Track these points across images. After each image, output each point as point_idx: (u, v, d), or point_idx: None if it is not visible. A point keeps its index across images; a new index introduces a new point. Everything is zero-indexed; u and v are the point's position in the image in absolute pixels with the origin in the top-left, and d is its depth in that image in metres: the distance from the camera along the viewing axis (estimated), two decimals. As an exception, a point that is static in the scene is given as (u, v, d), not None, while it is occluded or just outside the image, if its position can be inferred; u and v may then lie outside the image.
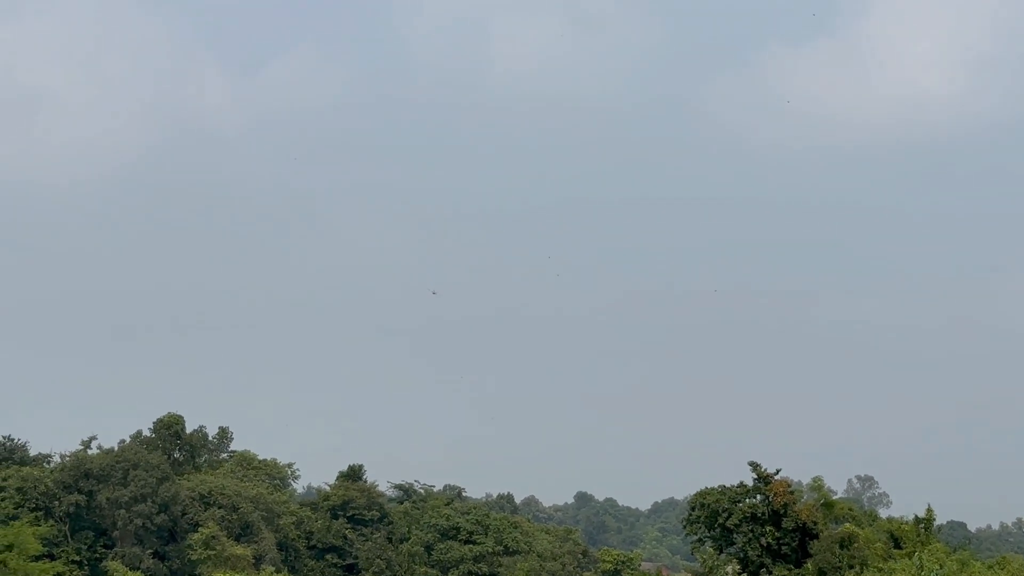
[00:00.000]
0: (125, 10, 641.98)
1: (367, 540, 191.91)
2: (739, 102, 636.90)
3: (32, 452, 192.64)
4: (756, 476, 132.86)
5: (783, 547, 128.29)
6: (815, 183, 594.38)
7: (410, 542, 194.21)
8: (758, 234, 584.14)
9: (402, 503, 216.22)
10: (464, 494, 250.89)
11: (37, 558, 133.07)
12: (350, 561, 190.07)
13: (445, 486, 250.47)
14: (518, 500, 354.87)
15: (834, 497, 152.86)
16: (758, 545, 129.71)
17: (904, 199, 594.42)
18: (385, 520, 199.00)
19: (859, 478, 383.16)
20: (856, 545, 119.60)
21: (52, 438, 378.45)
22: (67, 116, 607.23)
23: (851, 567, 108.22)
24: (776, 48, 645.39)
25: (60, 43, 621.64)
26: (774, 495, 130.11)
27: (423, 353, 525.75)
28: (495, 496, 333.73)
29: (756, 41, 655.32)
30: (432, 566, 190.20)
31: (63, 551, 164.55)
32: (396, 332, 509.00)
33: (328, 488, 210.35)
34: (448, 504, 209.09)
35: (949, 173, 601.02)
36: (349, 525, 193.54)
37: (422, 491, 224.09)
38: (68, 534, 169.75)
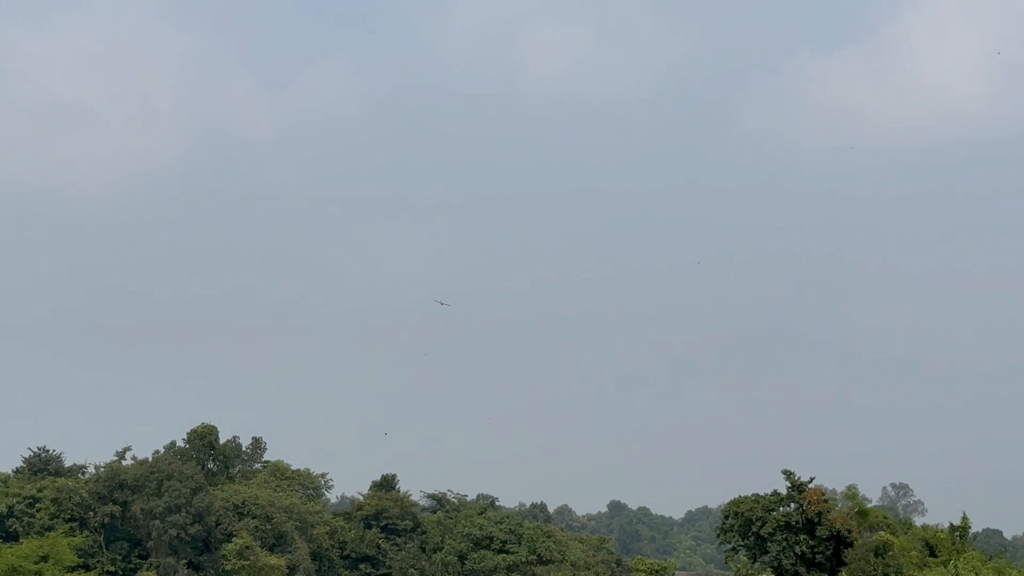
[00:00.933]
0: (159, 23, 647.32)
1: (400, 550, 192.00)
2: (768, 109, 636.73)
3: (67, 463, 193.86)
4: (790, 484, 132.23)
5: (817, 556, 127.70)
6: (846, 187, 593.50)
7: (443, 551, 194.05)
8: (788, 241, 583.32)
9: (435, 513, 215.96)
10: (497, 503, 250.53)
11: (72, 569, 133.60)
12: (384, 571, 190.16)
13: (478, 495, 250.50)
14: (551, 509, 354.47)
15: (868, 505, 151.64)
16: (792, 554, 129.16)
17: (938, 203, 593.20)
18: (418, 530, 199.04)
19: (894, 486, 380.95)
20: (891, 553, 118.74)
21: (87, 449, 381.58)
22: (102, 128, 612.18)
23: (886, 575, 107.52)
24: (807, 55, 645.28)
25: (95, 57, 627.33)
26: (808, 503, 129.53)
27: (452, 362, 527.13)
28: (528, 505, 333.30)
29: (786, 49, 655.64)
30: (465, 575, 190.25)
31: (98, 562, 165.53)
32: (424, 340, 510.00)
33: (361, 498, 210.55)
34: (481, 513, 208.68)
35: (982, 177, 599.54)
36: (382, 535, 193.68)
37: (455, 500, 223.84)
38: (103, 545, 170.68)
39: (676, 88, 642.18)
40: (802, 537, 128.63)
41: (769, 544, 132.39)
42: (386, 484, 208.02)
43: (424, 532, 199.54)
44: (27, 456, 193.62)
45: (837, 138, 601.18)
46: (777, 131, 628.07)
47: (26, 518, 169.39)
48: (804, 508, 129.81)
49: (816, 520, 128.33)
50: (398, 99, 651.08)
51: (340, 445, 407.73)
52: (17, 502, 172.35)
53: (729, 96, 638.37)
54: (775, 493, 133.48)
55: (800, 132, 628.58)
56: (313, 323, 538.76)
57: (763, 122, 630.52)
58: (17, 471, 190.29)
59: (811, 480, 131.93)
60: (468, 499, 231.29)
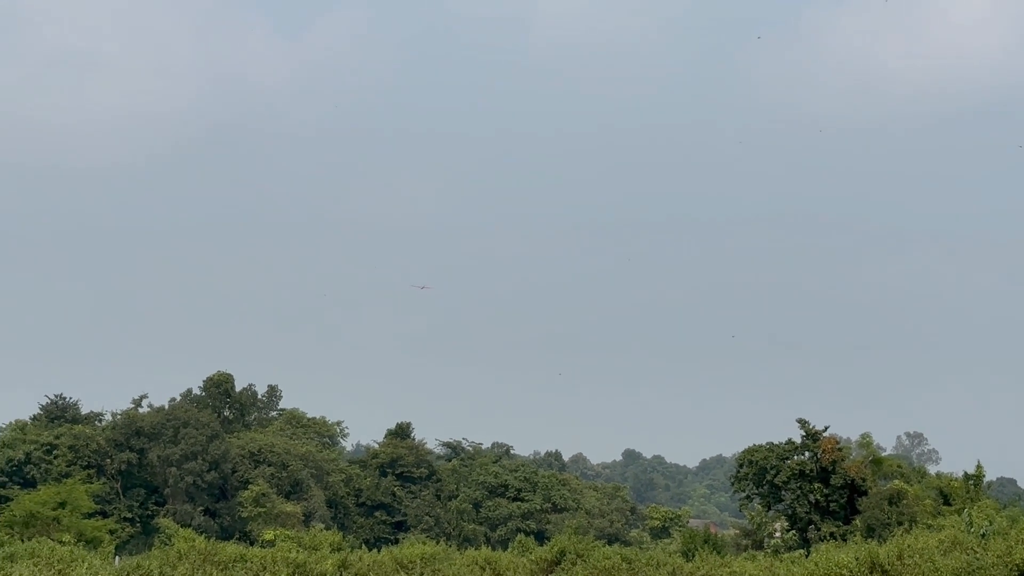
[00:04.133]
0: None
1: (416, 497, 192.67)
2: (778, 64, 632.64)
3: (84, 410, 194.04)
4: (804, 433, 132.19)
5: (831, 504, 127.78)
6: (861, 146, 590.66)
7: (458, 499, 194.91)
8: (804, 195, 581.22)
9: (450, 461, 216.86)
10: (512, 452, 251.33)
11: (89, 515, 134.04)
12: (399, 518, 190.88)
13: (493, 444, 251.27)
14: (566, 458, 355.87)
15: (883, 454, 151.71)
16: (806, 502, 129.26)
17: (949, 160, 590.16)
18: (433, 478, 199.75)
19: (908, 435, 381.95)
20: (905, 502, 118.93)
21: (103, 396, 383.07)
22: (116, 76, 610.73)
23: (900, 524, 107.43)
24: (817, 9, 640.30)
25: (110, 4, 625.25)
26: (822, 452, 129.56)
27: (467, 311, 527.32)
28: (543, 454, 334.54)
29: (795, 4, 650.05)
30: (480, 523, 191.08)
31: (115, 508, 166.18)
32: (440, 292, 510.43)
33: (376, 446, 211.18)
34: (496, 462, 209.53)
35: (997, 133, 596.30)
36: (398, 482, 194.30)
37: (470, 449, 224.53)
38: (120, 491, 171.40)
39: (686, 36, 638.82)
40: (816, 485, 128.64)
41: (783, 492, 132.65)
42: (401, 432, 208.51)
43: (439, 480, 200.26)
44: (44, 403, 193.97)
45: (851, 86, 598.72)
46: (789, 86, 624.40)
47: (43, 465, 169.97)
48: (818, 457, 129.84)
49: (830, 469, 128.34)
50: (411, 45, 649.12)
51: (355, 393, 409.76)
52: (34, 449, 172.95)
53: (741, 44, 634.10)
54: (789, 442, 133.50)
55: (811, 88, 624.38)
56: (327, 270, 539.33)
57: (775, 72, 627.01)
58: (34, 418, 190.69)
59: (825, 429, 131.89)
60: (483, 447, 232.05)
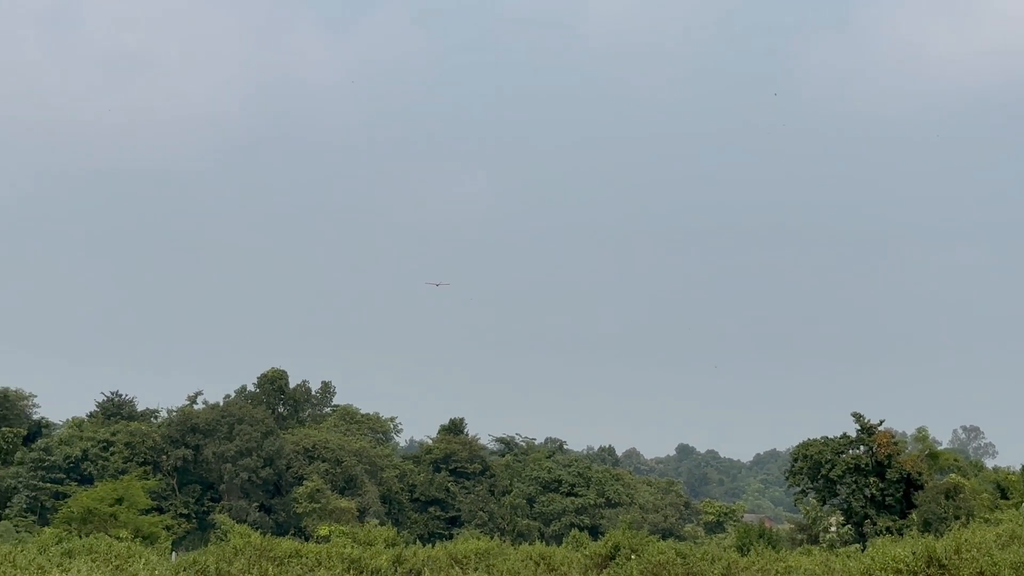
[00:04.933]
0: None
1: (469, 493, 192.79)
2: (836, 53, 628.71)
3: (140, 408, 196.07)
4: (859, 427, 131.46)
5: (887, 498, 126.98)
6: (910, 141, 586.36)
7: (512, 495, 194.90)
8: (850, 191, 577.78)
9: (503, 456, 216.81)
10: (565, 447, 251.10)
11: (146, 511, 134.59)
12: (453, 514, 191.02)
13: (546, 439, 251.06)
14: (619, 453, 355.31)
15: (939, 448, 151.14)
16: (862, 496, 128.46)
17: (1004, 156, 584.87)
18: (487, 473, 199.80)
19: (964, 428, 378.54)
20: (962, 496, 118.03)
21: (159, 393, 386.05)
22: (167, 77, 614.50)
23: (956, 518, 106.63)
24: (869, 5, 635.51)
25: (161, 5, 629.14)
26: (878, 446, 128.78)
27: (520, 308, 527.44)
28: (596, 449, 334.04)
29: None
30: (534, 518, 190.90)
31: (171, 504, 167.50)
32: (492, 289, 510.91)
33: (430, 442, 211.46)
34: (549, 457, 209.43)
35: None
36: (451, 478, 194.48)
37: (523, 444, 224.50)
38: (176, 488, 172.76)
39: (740, 29, 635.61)
40: (872, 480, 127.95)
41: (839, 487, 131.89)
42: (454, 428, 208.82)
43: (493, 475, 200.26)
44: (100, 401, 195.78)
45: (902, 77, 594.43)
46: (844, 74, 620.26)
47: (100, 461, 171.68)
48: (874, 451, 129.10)
49: (886, 463, 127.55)
50: (459, 41, 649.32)
51: (408, 389, 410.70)
52: (91, 446, 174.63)
53: (794, 36, 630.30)
54: (844, 436, 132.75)
55: (867, 75, 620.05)
56: (382, 266, 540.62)
57: (828, 66, 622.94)
58: (91, 416, 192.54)
59: (881, 423, 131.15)
60: (536, 443, 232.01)
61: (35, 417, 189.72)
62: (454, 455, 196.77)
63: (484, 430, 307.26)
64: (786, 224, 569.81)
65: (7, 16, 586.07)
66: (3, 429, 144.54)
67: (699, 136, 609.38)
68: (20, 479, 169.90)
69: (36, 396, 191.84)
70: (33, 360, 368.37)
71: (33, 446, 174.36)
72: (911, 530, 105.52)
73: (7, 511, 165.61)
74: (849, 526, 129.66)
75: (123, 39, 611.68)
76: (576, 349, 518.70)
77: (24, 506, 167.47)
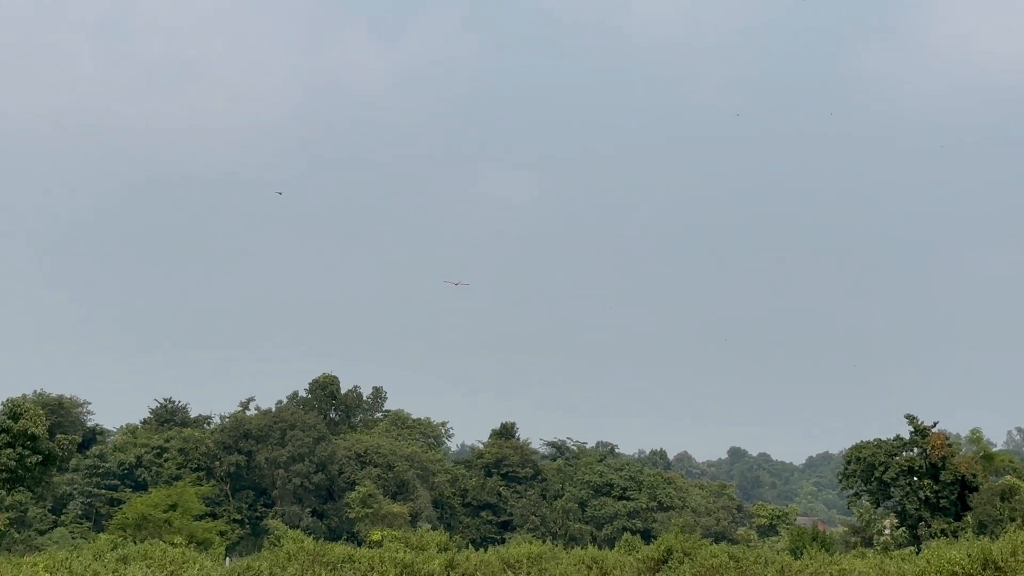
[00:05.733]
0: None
1: (521, 497, 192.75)
2: (884, 50, 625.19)
3: (192, 414, 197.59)
4: (913, 429, 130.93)
5: (942, 500, 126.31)
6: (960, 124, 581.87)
7: (564, 499, 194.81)
8: (907, 176, 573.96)
9: (555, 460, 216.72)
10: (616, 451, 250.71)
11: (200, 517, 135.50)
12: (505, 518, 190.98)
13: (597, 443, 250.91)
14: (671, 456, 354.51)
15: (993, 449, 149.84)
16: (916, 498, 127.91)
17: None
18: (539, 477, 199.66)
19: (1019, 430, 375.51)
20: (1017, 497, 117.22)
21: (211, 399, 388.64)
22: (220, 83, 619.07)
23: (1012, 520, 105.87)
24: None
25: (212, 12, 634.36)
26: (932, 448, 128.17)
27: (568, 311, 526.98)
28: (648, 452, 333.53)
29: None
30: (586, 522, 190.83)
31: (224, 510, 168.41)
32: (540, 292, 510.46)
33: (481, 446, 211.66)
34: (601, 461, 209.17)
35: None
36: (503, 482, 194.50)
37: (574, 448, 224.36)
38: (229, 493, 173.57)
39: (788, 30, 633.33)
40: (926, 482, 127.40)
41: (892, 489, 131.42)
42: (506, 432, 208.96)
43: (544, 479, 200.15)
44: (154, 407, 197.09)
45: (949, 78, 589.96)
46: (892, 70, 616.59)
47: (154, 468, 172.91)
48: (927, 453, 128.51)
49: (940, 465, 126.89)
50: (507, 48, 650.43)
51: (460, 394, 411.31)
52: (145, 452, 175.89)
53: (842, 37, 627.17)
54: (898, 438, 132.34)
55: (913, 71, 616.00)
56: (432, 271, 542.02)
57: (877, 64, 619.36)
58: (144, 422, 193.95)
59: (934, 425, 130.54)
60: (587, 447, 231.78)
61: (90, 424, 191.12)
62: (505, 459, 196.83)
63: (535, 434, 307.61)
64: (836, 226, 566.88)
65: (61, 29, 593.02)
66: (58, 436, 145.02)
67: (744, 140, 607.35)
68: (75, 486, 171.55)
69: (91, 403, 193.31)
70: (87, 367, 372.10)
71: (88, 453, 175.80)
72: (966, 532, 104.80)
73: (62, 517, 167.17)
74: (903, 529, 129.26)
75: (174, 49, 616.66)
76: (627, 352, 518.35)
77: (79, 512, 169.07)
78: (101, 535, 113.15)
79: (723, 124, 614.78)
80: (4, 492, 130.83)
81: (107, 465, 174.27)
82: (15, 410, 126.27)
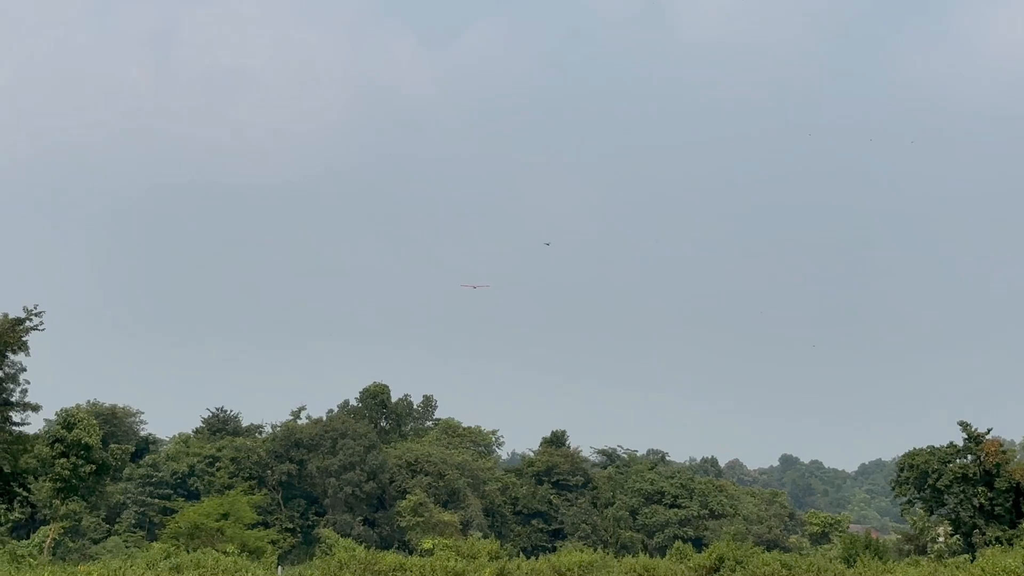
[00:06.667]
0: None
1: (572, 505, 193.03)
2: (930, 54, 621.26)
3: (244, 423, 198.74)
4: (966, 436, 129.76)
5: (996, 508, 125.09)
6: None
7: (615, 507, 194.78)
8: (957, 191, 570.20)
9: (605, 468, 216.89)
10: (667, 458, 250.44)
11: (252, 526, 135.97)
12: (556, 526, 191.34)
13: (648, 451, 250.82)
14: (722, 464, 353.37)
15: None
16: (970, 506, 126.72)
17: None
18: (589, 485, 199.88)
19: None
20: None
21: (263, 409, 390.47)
22: (267, 93, 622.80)
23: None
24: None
25: (256, 22, 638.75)
26: (986, 455, 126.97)
27: (620, 319, 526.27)
28: (699, 460, 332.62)
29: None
30: (637, 530, 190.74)
31: (276, 519, 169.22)
32: (592, 300, 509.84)
33: (532, 454, 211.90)
34: (652, 468, 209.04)
35: None
36: (554, 491, 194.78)
37: (625, 456, 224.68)
38: (281, 502, 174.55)
39: (833, 32, 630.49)
40: (980, 489, 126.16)
41: (946, 496, 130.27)
42: (556, 440, 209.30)
43: (595, 487, 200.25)
44: (206, 417, 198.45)
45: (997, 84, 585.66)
46: (938, 76, 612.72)
47: (207, 477, 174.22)
48: (981, 460, 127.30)
49: (994, 472, 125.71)
50: (554, 55, 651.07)
51: (509, 402, 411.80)
52: (198, 461, 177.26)
53: (889, 39, 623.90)
54: (951, 445, 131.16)
55: (961, 77, 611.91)
56: (481, 278, 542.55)
57: (923, 67, 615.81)
58: (197, 432, 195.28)
59: (988, 431, 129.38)
60: (638, 454, 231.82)
61: (143, 433, 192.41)
62: (556, 467, 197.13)
63: (585, 442, 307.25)
64: (887, 228, 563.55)
65: (115, 43, 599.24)
66: (112, 446, 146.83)
67: (797, 138, 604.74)
68: (129, 495, 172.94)
69: (143, 413, 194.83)
70: (140, 377, 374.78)
71: (141, 462, 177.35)
72: (1021, 540, 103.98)
73: (116, 526, 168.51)
74: (957, 536, 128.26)
75: (224, 59, 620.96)
76: (678, 360, 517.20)
77: (133, 521, 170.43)
78: (154, 544, 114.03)
79: (776, 120, 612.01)
80: (58, 501, 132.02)
81: (160, 474, 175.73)
82: (69, 420, 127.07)
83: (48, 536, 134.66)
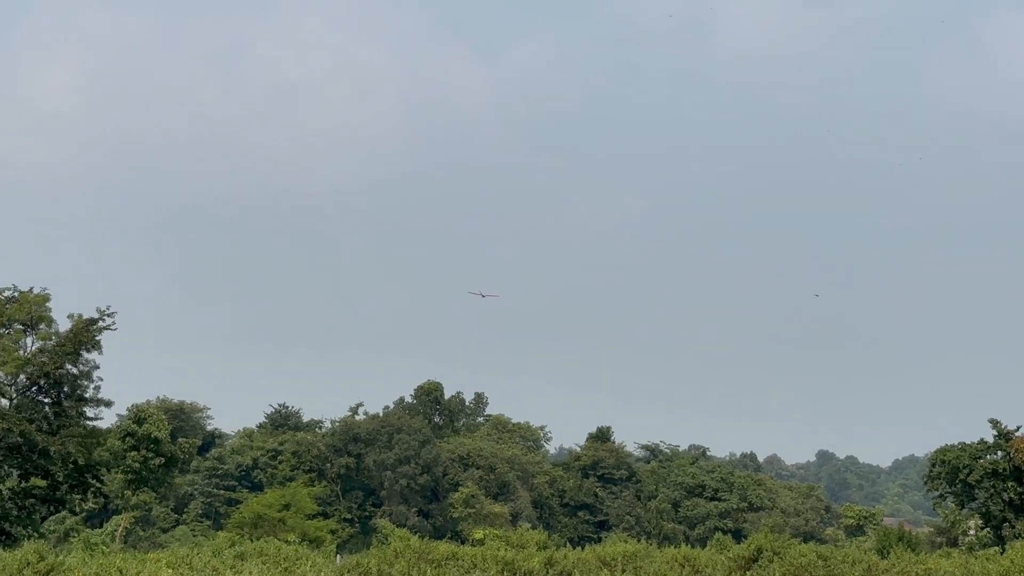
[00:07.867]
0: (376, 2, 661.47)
1: (617, 498, 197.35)
2: (959, 68, 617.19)
3: (305, 418, 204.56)
4: (996, 433, 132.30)
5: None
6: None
7: (658, 499, 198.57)
8: (988, 197, 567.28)
9: (649, 462, 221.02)
10: (708, 453, 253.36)
11: (312, 516, 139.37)
12: (601, 518, 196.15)
13: (690, 446, 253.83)
14: (760, 459, 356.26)
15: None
16: (1000, 500, 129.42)
17: None
18: (633, 479, 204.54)
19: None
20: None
21: (323, 404, 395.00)
22: (328, 105, 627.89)
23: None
24: (1002, 15, 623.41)
25: (318, 37, 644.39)
26: (1015, 451, 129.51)
27: (665, 316, 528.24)
28: (738, 455, 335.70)
29: (982, 8, 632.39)
30: (679, 522, 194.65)
31: (335, 510, 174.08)
32: (638, 299, 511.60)
33: (579, 449, 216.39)
34: (693, 463, 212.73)
35: None
36: (599, 484, 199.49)
37: (668, 451, 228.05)
38: (340, 494, 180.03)
39: (865, 45, 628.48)
40: (1010, 484, 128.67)
41: (977, 491, 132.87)
42: (602, 436, 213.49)
43: (639, 481, 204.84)
44: (269, 412, 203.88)
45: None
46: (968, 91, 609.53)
47: (269, 469, 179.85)
48: (1011, 456, 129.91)
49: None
50: (600, 66, 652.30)
51: (557, 399, 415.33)
52: (261, 455, 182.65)
53: (919, 54, 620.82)
54: (982, 441, 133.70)
55: (991, 92, 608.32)
56: (533, 280, 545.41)
57: (953, 81, 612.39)
58: (260, 426, 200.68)
59: (1018, 428, 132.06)
60: (680, 449, 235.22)
61: (209, 428, 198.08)
62: (602, 462, 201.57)
63: (630, 438, 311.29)
64: (922, 230, 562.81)
65: (185, 58, 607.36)
66: (180, 440, 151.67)
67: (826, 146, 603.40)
68: (196, 486, 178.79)
69: (210, 408, 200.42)
70: (207, 374, 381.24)
71: (208, 455, 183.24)
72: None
73: (184, 516, 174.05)
74: (988, 529, 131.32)
75: (286, 72, 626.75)
76: (719, 358, 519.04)
77: (199, 511, 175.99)
78: (220, 533, 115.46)
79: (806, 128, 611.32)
80: (130, 492, 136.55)
81: (225, 467, 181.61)
82: (139, 415, 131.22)
83: (120, 525, 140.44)
